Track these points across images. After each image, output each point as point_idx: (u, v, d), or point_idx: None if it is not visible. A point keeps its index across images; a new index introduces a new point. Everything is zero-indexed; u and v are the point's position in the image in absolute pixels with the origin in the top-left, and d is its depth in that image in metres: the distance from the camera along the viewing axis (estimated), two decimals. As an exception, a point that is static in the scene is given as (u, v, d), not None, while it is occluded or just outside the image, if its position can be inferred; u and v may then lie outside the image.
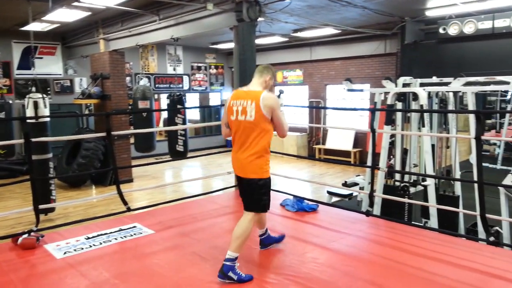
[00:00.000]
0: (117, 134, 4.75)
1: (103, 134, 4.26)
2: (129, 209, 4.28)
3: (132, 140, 9.32)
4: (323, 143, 12.00)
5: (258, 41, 10.47)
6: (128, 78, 11.43)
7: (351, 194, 6.34)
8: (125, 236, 3.74)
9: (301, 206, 4.47)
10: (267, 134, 2.95)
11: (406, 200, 4.84)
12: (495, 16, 7.18)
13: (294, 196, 4.69)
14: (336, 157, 11.38)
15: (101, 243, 3.58)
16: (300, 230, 4.02)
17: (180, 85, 13.06)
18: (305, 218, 4.27)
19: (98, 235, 3.76)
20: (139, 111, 8.11)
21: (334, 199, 6.51)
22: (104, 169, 8.66)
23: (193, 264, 3.14)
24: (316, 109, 12.20)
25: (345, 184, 6.40)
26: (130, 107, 9.73)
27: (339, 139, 11.50)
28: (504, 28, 7.11)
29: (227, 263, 2.84)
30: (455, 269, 3.00)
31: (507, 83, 4.71)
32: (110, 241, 3.64)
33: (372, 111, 4.96)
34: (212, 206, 4.68)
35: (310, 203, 4.56)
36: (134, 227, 3.98)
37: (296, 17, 7.84)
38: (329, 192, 6.55)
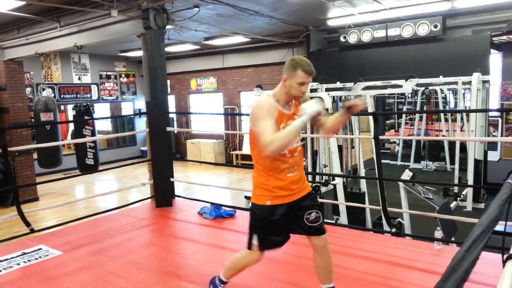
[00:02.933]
0: (15, 149, 4.37)
1: (-1, 151, 3.90)
2: (32, 230, 3.95)
3: (35, 156, 8.63)
4: (240, 149, 12.17)
5: (169, 48, 10.33)
6: (28, 89, 10.58)
7: (268, 197, 6.50)
8: (28, 260, 3.45)
9: (219, 213, 4.48)
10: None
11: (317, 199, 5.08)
12: (388, 26, 7.88)
13: (211, 203, 4.69)
14: (253, 162, 11.58)
15: (0, 270, 3.26)
16: (218, 237, 4.04)
17: (88, 95, 12.40)
18: (223, 224, 4.30)
19: (-3, 262, 3.43)
20: (41, 124, 7.54)
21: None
22: (2, 189, 7.89)
23: (107, 283, 2.99)
24: (232, 116, 12.34)
25: (262, 188, 6.55)
26: (31, 120, 9.02)
27: (255, 144, 11.74)
28: (396, 36, 7.83)
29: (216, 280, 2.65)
30: (363, 261, 3.23)
31: (400, 86, 5.20)
32: (12, 267, 3.33)
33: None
34: (127, 220, 4.51)
35: (228, 209, 4.60)
36: (40, 249, 3.69)
37: (207, 25, 7.88)
38: (246, 197, 6.64)
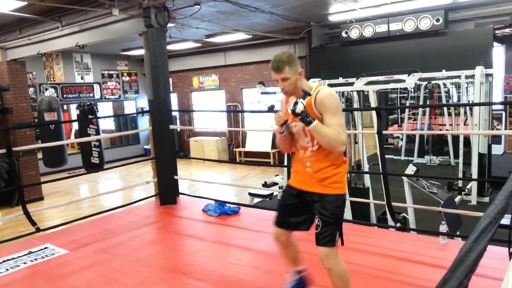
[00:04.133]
0: (20, 149, 4.39)
1: (3, 150, 3.92)
2: (38, 230, 3.98)
3: (40, 155, 8.66)
4: (243, 146, 12.17)
5: (171, 47, 10.33)
6: (31, 89, 10.60)
7: (272, 194, 6.51)
8: (35, 259, 3.48)
9: (223, 210, 4.50)
10: None
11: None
12: (390, 20, 7.85)
13: (216, 200, 4.70)
14: (256, 159, 11.61)
15: (7, 269, 3.29)
16: (223, 234, 4.05)
17: (91, 94, 12.42)
18: (228, 221, 4.31)
19: (4, 261, 3.45)
20: (45, 124, 7.56)
21: (256, 200, 6.64)
22: (7, 188, 7.94)
23: (113, 281, 3.01)
24: (234, 113, 12.34)
25: (265, 185, 6.56)
26: (35, 120, 9.04)
27: (258, 141, 11.75)
28: (398, 31, 7.80)
29: None
30: (368, 256, 3.23)
31: (403, 81, 5.18)
32: (18, 266, 3.36)
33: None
34: (131, 218, 4.53)
35: (232, 206, 4.61)
36: (46, 248, 3.72)
37: (208, 23, 7.87)
38: (250, 194, 6.66)
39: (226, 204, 4.63)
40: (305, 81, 2.30)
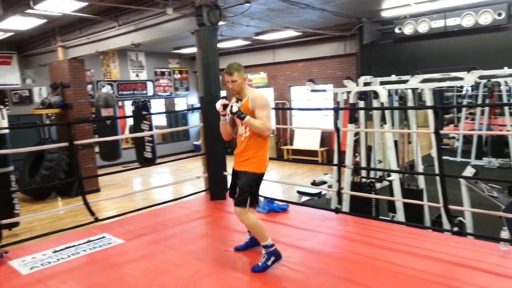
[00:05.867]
0: (80, 143, 4.63)
1: (66, 144, 4.14)
2: (96, 219, 4.19)
3: (97, 149, 9.09)
4: (291, 144, 12.13)
5: (221, 45, 10.47)
6: (89, 86, 11.14)
7: (320, 192, 6.44)
8: (94, 247, 3.66)
9: (272, 207, 4.51)
10: None
11: (373, 195, 4.97)
12: (447, 15, 7.51)
13: (265, 197, 4.72)
14: (304, 157, 11.54)
15: (69, 256, 3.49)
16: (272, 231, 4.03)
17: (144, 91, 12.87)
18: (276, 218, 4.32)
19: (66, 248, 3.66)
20: (102, 119, 7.93)
21: (304, 198, 6.60)
22: (68, 179, 8.42)
23: (166, 272, 3.11)
24: (282, 111, 12.32)
25: (314, 183, 6.50)
26: (93, 115, 9.50)
27: (306, 139, 11.66)
28: (456, 26, 7.45)
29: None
30: (423, 260, 3.12)
31: (461, 78, 4.94)
32: (79, 253, 3.55)
33: (336, 110, 5.08)
34: (183, 212, 4.65)
35: (281, 203, 4.61)
36: (103, 237, 3.90)
37: (257, 21, 7.90)
38: (298, 192, 6.63)
39: (275, 201, 4.63)
40: (247, 86, 3.15)
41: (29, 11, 5.88)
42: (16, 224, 6.01)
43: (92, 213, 4.18)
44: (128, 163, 10.47)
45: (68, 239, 3.93)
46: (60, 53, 8.78)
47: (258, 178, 3.12)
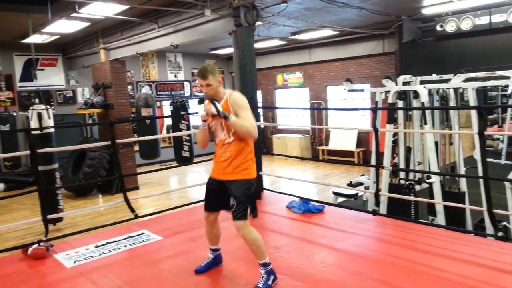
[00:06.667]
0: (121, 142, 4.78)
1: (108, 142, 4.29)
2: (136, 216, 4.31)
3: (136, 148, 9.36)
4: (326, 144, 12.02)
5: (257, 45, 10.50)
6: (129, 87, 11.48)
7: (357, 194, 6.34)
8: (133, 243, 3.77)
9: (308, 208, 4.48)
10: None
11: (412, 198, 4.84)
12: (492, 12, 7.20)
13: (300, 197, 4.71)
14: (339, 158, 11.40)
15: (110, 251, 3.61)
16: (308, 232, 4.04)
17: (182, 92, 13.11)
18: (312, 219, 4.29)
19: (107, 243, 3.79)
20: (142, 119, 8.15)
21: (340, 199, 6.52)
22: (109, 177, 8.71)
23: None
24: (318, 111, 12.22)
25: (350, 184, 6.41)
26: (133, 115, 9.77)
27: (342, 139, 11.51)
28: (502, 23, 7.13)
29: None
30: (465, 265, 3.01)
31: (508, 77, 4.73)
32: (119, 248, 3.67)
33: (374, 110, 4.99)
34: (218, 211, 4.69)
35: (316, 204, 4.58)
36: (143, 233, 4.01)
37: (294, 20, 7.87)
38: (334, 193, 6.55)
39: (311, 202, 4.61)
40: (222, 88, 2.89)
41: (74, 14, 6.13)
42: (60, 219, 6.27)
43: (132, 210, 4.31)
44: (166, 161, 10.71)
45: (109, 234, 4.07)
46: (102, 55, 9.09)
47: (253, 184, 2.87)
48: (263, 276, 2.81)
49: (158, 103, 12.85)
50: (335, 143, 11.71)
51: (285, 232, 3.99)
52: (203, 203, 3.11)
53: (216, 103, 2.73)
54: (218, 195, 2.94)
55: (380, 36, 9.58)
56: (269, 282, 2.79)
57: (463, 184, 5.20)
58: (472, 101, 4.69)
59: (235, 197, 2.79)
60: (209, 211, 3.03)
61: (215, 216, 3.05)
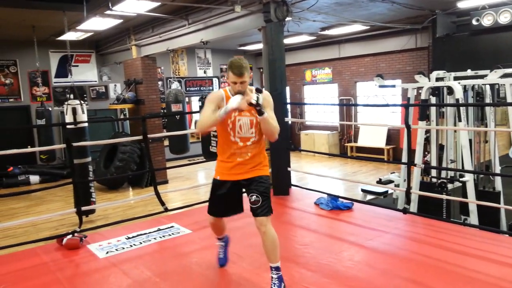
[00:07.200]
0: (152, 137, 4.87)
1: (140, 137, 4.39)
2: (166, 210, 4.39)
3: (166, 143, 9.52)
4: (355, 141, 11.86)
5: (286, 40, 10.40)
6: (160, 83, 11.67)
7: (386, 191, 6.25)
8: (163, 236, 3.85)
9: (336, 205, 4.45)
10: None
11: (444, 196, 4.73)
12: (533, 4, 6.91)
13: (329, 194, 4.67)
14: (368, 155, 11.23)
15: (141, 243, 3.70)
16: (336, 229, 4.01)
17: (210, 88, 13.22)
18: (340, 216, 4.26)
19: (138, 235, 3.88)
20: (172, 114, 8.28)
21: (369, 197, 6.44)
22: (140, 171, 8.90)
23: (231, 263, 3.19)
24: (347, 107, 12.07)
25: (380, 182, 6.32)
26: (163, 110, 9.93)
27: (371, 136, 11.33)
28: (543, 16, 6.83)
29: None
30: (499, 266, 2.92)
31: (548, 73, 4.54)
32: (150, 240, 3.75)
33: (407, 106, 4.88)
34: (245, 206, 4.69)
35: (345, 201, 4.54)
36: (172, 227, 4.08)
37: (324, 15, 7.79)
38: (363, 190, 6.48)
39: (339, 199, 4.57)
40: None
41: (108, 12, 6.28)
42: (92, 211, 6.46)
43: (162, 203, 4.39)
44: (193, 157, 10.84)
45: (140, 227, 4.16)
46: (133, 51, 9.28)
47: (269, 181, 2.86)
48: (274, 283, 2.65)
49: (187, 99, 13.02)
50: (364, 140, 11.54)
51: (313, 229, 3.97)
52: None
53: (259, 95, 2.58)
54: (230, 200, 2.87)
55: (412, 31, 9.35)
56: None
57: (498, 183, 5.03)
58: (510, 98, 4.52)
59: (260, 192, 2.71)
60: (218, 217, 2.95)
61: (223, 220, 3.03)
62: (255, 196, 2.71)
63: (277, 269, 2.68)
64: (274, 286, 2.65)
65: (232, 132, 2.74)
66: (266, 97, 2.71)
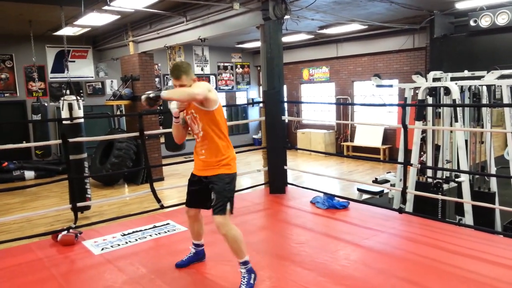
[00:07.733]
0: (149, 133, 4.86)
1: (136, 134, 4.38)
2: (162, 207, 4.38)
3: (162, 140, 9.49)
4: (351, 140, 11.88)
5: (284, 39, 10.41)
6: (157, 79, 11.63)
7: (382, 191, 6.27)
8: (159, 233, 3.84)
9: (332, 204, 4.45)
10: None
11: (439, 196, 4.74)
12: (531, 6, 6.94)
13: (325, 193, 4.68)
14: (364, 154, 11.25)
15: (136, 240, 3.69)
16: (332, 228, 4.01)
17: (207, 85, 13.18)
18: (336, 215, 4.26)
19: (133, 232, 3.87)
20: (168, 111, 8.25)
21: (364, 196, 6.45)
22: (136, 168, 8.88)
23: (227, 261, 3.18)
24: (344, 106, 12.07)
25: (376, 181, 6.34)
26: (160, 107, 9.90)
27: (368, 135, 11.36)
28: (540, 18, 6.86)
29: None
30: (494, 267, 2.94)
31: (545, 75, 4.55)
32: (145, 237, 3.75)
33: (404, 106, 4.89)
34: (242, 204, 4.73)
35: (341, 200, 4.55)
36: (168, 224, 4.07)
37: (322, 14, 7.79)
38: (359, 190, 6.49)
39: (335, 198, 4.57)
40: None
41: (105, 7, 6.24)
42: (87, 208, 6.44)
43: (158, 200, 4.38)
44: (190, 154, 10.79)
45: (135, 223, 4.15)
46: (131, 47, 9.24)
47: (232, 179, 2.82)
48: (244, 277, 2.73)
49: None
50: (360, 140, 11.56)
51: (309, 227, 3.97)
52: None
53: (150, 92, 2.70)
54: (198, 192, 2.92)
55: (410, 31, 9.37)
56: (251, 281, 2.72)
57: (493, 184, 5.05)
58: (506, 99, 4.54)
59: (215, 191, 2.74)
60: (188, 206, 3.03)
61: (195, 212, 3.05)
62: (211, 195, 2.77)
63: (245, 263, 2.75)
64: (244, 279, 2.72)
65: (191, 130, 2.90)
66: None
